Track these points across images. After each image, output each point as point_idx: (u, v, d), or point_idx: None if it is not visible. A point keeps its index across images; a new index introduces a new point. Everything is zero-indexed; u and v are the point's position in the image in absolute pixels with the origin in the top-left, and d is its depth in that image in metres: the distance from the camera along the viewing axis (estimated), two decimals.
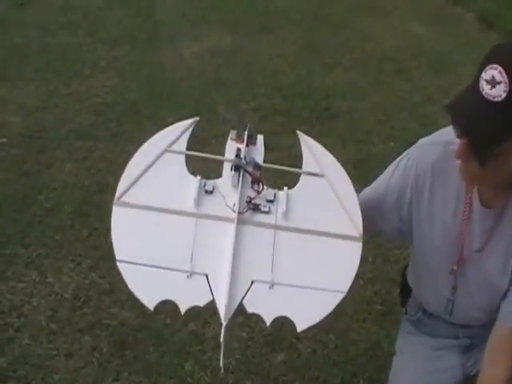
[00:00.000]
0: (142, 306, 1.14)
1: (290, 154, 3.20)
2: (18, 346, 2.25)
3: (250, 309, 1.13)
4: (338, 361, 2.26)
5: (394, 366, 1.68)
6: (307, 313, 1.15)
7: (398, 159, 1.48)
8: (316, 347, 2.30)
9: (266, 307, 1.14)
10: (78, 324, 2.36)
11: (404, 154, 1.47)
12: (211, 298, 1.13)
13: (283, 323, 1.14)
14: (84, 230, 2.80)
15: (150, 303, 1.12)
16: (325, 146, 1.44)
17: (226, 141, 1.43)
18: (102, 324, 2.36)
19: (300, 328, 1.12)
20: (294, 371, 2.22)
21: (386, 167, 1.51)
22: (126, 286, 1.16)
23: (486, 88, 1.12)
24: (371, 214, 1.42)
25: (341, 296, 1.17)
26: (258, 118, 3.77)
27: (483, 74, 1.13)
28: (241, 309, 1.13)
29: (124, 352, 2.25)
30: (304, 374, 2.21)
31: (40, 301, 2.44)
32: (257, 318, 1.14)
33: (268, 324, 1.12)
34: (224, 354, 1.09)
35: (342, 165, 1.40)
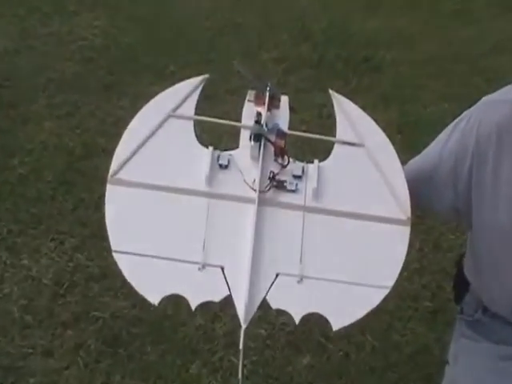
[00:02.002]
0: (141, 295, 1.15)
1: (320, 114, 3.18)
2: None
3: (274, 304, 1.14)
4: (376, 367, 2.28)
5: (446, 378, 1.67)
6: (344, 310, 1.15)
7: (454, 122, 1.46)
8: (349, 350, 2.32)
9: (295, 302, 1.14)
10: (59, 316, 2.39)
11: (462, 115, 1.45)
12: (228, 292, 1.13)
13: (310, 319, 1.15)
14: (68, 202, 2.83)
15: (154, 298, 1.12)
16: (363, 106, 1.43)
17: (242, 96, 1.42)
18: (89, 316, 2.38)
19: (336, 327, 1.13)
20: (321, 378, 2.24)
21: (438, 132, 1.50)
22: (119, 270, 1.17)
23: None
24: (420, 190, 1.41)
25: (385, 292, 1.17)
26: (281, 71, 3.76)
27: None
28: (263, 313, 1.14)
29: (116, 350, 2.28)
30: (334, 382, 2.23)
31: (12, 287, 2.47)
32: (277, 312, 1.15)
33: (297, 322, 1.13)
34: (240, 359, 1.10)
35: (385, 130, 1.39)
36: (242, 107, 1.40)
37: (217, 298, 1.13)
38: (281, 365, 2.27)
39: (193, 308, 1.12)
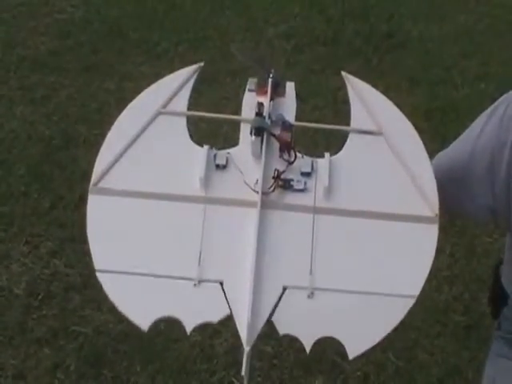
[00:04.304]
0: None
1: (335, 99, 3.16)
2: None
3: (282, 329, 1.13)
4: None
5: None
6: (361, 331, 1.16)
7: (491, 107, 1.46)
8: (368, 370, 2.33)
9: (305, 325, 1.15)
10: (33, 332, 2.40)
11: (500, 99, 1.45)
12: (228, 311, 1.14)
13: (323, 340, 1.16)
14: (44, 200, 2.83)
15: (144, 322, 1.13)
16: (385, 89, 1.44)
17: (244, 79, 1.43)
18: (68, 331, 2.39)
19: (352, 354, 1.13)
20: None
21: (473, 119, 1.50)
22: None
23: None
24: (450, 189, 1.41)
25: (409, 302, 1.17)
26: (290, 50, 3.77)
27: None
28: (269, 329, 1.14)
29: (100, 370, 2.29)
30: None
31: None
32: (285, 337, 1.16)
33: (308, 350, 1.13)
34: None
35: (410, 116, 1.39)
36: (244, 90, 1.41)
37: (215, 318, 1.14)
38: None
39: (188, 332, 1.13)
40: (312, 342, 1.13)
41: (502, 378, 1.66)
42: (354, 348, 1.13)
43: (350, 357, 1.13)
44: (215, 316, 1.14)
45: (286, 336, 1.14)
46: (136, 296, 1.17)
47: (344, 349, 1.14)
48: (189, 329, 1.13)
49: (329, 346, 2.30)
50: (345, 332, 1.14)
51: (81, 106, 3.27)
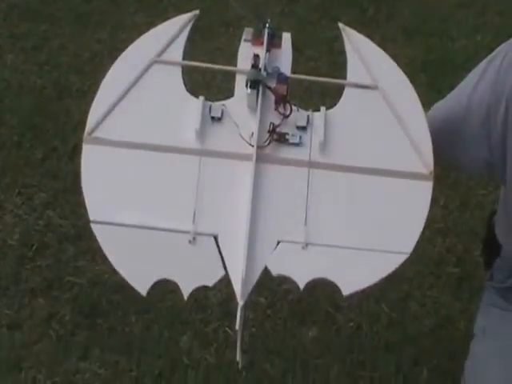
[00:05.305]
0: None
1: (331, 49, 3.14)
2: None
3: (275, 270, 1.15)
4: (393, 341, 2.30)
5: (472, 353, 1.69)
6: (355, 275, 1.17)
7: (487, 59, 1.46)
8: (362, 321, 2.34)
9: (299, 268, 1.16)
10: (28, 282, 2.41)
11: (497, 50, 1.45)
12: (223, 273, 1.15)
13: (316, 286, 1.17)
14: (37, 151, 2.83)
15: (143, 286, 1.15)
16: (381, 39, 1.43)
17: (239, 29, 1.42)
18: (63, 282, 2.40)
19: (346, 291, 1.15)
20: (330, 353, 2.26)
21: (468, 70, 1.50)
22: None
23: None
24: (446, 141, 1.41)
25: (402, 258, 1.19)
26: (285, 0, 3.73)
27: None
28: (263, 279, 1.15)
29: (94, 321, 2.30)
30: (344, 358, 2.24)
31: None
32: (279, 279, 1.17)
33: (302, 287, 1.15)
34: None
35: (406, 67, 1.39)
36: (239, 40, 1.40)
37: (211, 281, 1.15)
38: (283, 338, 2.29)
39: (185, 297, 1.14)
40: (305, 281, 1.15)
41: (493, 327, 1.67)
42: (348, 286, 1.15)
43: (344, 293, 1.15)
44: (211, 278, 1.15)
45: (280, 277, 1.15)
46: (132, 254, 1.18)
47: (337, 298, 1.15)
48: (186, 294, 1.14)
49: (322, 297, 2.33)
50: (338, 274, 1.16)
51: (73, 55, 3.25)
